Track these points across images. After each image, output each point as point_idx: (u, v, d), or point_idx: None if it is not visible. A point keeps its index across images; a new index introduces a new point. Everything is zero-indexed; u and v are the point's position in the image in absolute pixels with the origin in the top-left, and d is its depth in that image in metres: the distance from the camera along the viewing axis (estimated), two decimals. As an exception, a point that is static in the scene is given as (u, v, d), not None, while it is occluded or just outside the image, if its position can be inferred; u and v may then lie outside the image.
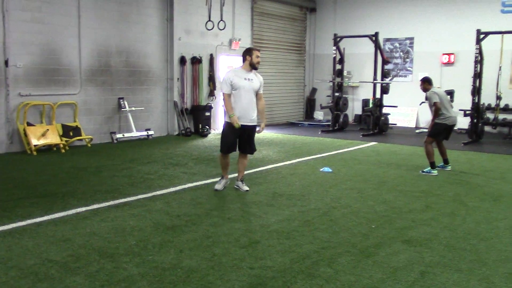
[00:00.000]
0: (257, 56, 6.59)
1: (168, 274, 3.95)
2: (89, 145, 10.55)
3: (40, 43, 9.93)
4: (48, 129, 9.83)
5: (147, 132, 11.96)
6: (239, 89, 6.50)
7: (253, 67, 6.61)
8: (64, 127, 10.26)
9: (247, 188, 6.84)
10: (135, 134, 11.65)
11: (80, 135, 10.45)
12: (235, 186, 6.93)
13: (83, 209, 5.75)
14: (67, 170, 8.07)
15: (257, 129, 6.81)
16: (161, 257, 4.30)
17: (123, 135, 11.42)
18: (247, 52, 6.63)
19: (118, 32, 11.42)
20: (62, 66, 10.37)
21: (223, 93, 6.64)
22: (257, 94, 6.67)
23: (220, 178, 6.99)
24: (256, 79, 6.63)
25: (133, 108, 11.65)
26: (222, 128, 6.91)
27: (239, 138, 6.69)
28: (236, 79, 6.51)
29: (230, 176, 7.07)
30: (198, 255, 4.37)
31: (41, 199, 6.18)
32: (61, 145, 9.83)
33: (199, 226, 5.19)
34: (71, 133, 10.29)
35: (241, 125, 6.51)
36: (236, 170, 7.19)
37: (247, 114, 6.58)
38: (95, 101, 11.07)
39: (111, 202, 6.08)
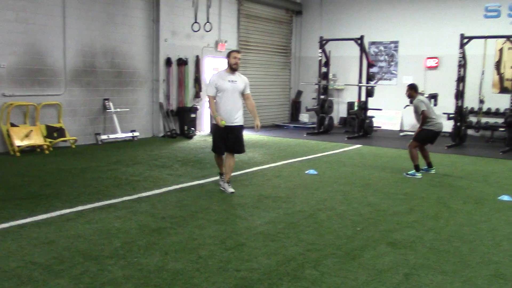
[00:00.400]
0: (234, 57, 6.73)
1: (154, 276, 3.93)
2: (73, 146, 10.46)
3: (24, 43, 9.83)
4: (31, 130, 9.73)
5: (132, 134, 11.90)
6: (223, 92, 6.66)
7: (230, 68, 6.75)
8: (48, 128, 10.16)
9: (232, 190, 6.86)
10: (120, 135, 11.58)
11: (64, 136, 10.35)
12: (221, 188, 6.96)
13: (67, 211, 5.70)
14: (51, 171, 7.99)
15: (255, 128, 6.99)
16: (146, 259, 4.28)
17: (108, 136, 11.34)
18: (227, 55, 6.84)
19: (104, 33, 11.35)
20: (47, 67, 10.27)
21: (208, 96, 6.79)
22: (244, 94, 6.83)
23: (220, 175, 7.12)
24: (240, 80, 6.77)
25: (118, 109, 11.58)
26: (210, 129, 6.99)
27: (227, 138, 6.77)
28: (220, 82, 6.67)
29: (214, 179, 7.06)
30: (184, 257, 4.35)
31: (24, 200, 6.11)
32: (45, 146, 9.74)
33: (184, 228, 5.17)
34: (55, 134, 10.19)
35: (226, 125, 6.64)
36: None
37: (231, 115, 6.71)
38: (79, 102, 10.99)
39: (96, 204, 6.04)
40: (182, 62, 13.20)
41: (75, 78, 10.84)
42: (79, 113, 10.97)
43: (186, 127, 12.96)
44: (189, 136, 12.75)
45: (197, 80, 13.76)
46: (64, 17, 10.44)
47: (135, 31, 12.11)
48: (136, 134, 11.97)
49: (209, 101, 6.80)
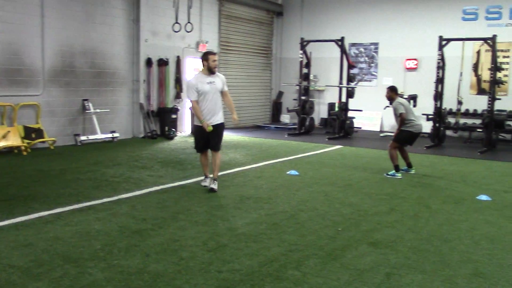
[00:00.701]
0: (214, 60, 6.83)
1: (134, 278, 3.89)
2: (52, 147, 10.31)
3: (2, 42, 9.66)
4: (9, 131, 9.56)
5: (112, 135, 11.78)
6: (204, 94, 6.78)
7: (210, 71, 6.84)
8: (26, 129, 10.00)
9: (214, 187, 6.93)
10: (100, 136, 11.45)
11: (43, 137, 10.20)
12: (204, 185, 7.14)
13: (46, 213, 5.61)
14: (29, 173, 7.87)
15: (232, 121, 7.26)
16: (127, 261, 4.24)
17: (87, 137, 11.21)
18: (204, 57, 6.88)
19: (83, 33, 11.22)
20: (25, 67, 10.11)
21: (191, 101, 6.89)
22: (222, 92, 6.97)
23: (204, 177, 7.26)
24: (218, 80, 6.90)
25: (98, 110, 11.46)
26: (192, 129, 7.05)
27: (208, 137, 6.92)
28: (200, 85, 6.76)
29: (195, 180, 7.04)
30: (165, 259, 4.32)
31: (2, 202, 6.00)
32: (23, 148, 9.58)
33: (165, 230, 5.14)
34: (33, 135, 10.04)
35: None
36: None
37: (214, 115, 6.87)
38: (58, 103, 10.83)
39: (75, 206, 5.96)
40: (162, 63, 13.12)
41: (54, 78, 10.69)
42: (57, 113, 10.83)
43: (167, 128, 12.89)
44: (170, 137, 12.67)
45: (178, 81, 13.69)
46: (43, 17, 10.29)
47: (115, 31, 12.00)
48: (116, 135, 11.85)
49: (192, 106, 6.93)
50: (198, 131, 7.06)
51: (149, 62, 12.75)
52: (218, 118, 6.93)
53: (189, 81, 6.95)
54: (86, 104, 11.24)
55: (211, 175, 7.10)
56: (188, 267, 4.14)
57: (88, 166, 8.55)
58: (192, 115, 13.78)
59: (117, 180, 7.47)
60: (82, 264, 4.14)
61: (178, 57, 13.66)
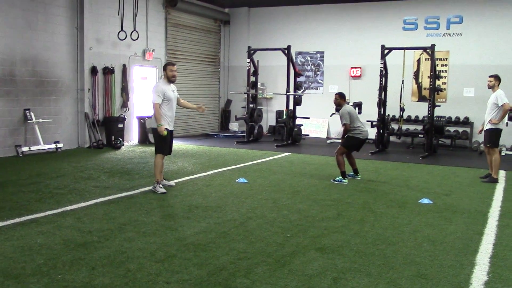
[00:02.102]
0: (171, 70, 7.41)
1: (80, 293, 3.79)
2: (-9, 159, 9.91)
3: None
4: None
5: (56, 145, 11.43)
6: (170, 100, 7.33)
7: (169, 81, 7.43)
8: (-37, 140, 9.57)
9: (164, 190, 7.41)
10: (42, 147, 11.10)
11: (-19, 149, 9.79)
12: (158, 191, 7.38)
13: (-15, 228, 5.38)
14: (-34, 186, 7.53)
15: (201, 109, 7.93)
16: (72, 275, 4.12)
17: (29, 148, 10.84)
18: (164, 68, 7.50)
19: (24, 40, 10.86)
20: (-39, 75, 9.68)
21: (154, 103, 7.24)
22: (178, 99, 7.64)
23: (156, 183, 7.43)
24: (175, 89, 7.54)
25: (41, 120, 11.10)
26: (154, 135, 7.50)
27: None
28: (168, 92, 7.31)
29: (142, 190, 6.95)
30: (112, 271, 4.23)
31: None
32: (-41, 160, 9.16)
33: (112, 242, 5.03)
34: (-30, 147, 9.62)
35: (171, 130, 7.43)
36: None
37: (173, 121, 7.52)
38: (-2, 113, 10.44)
39: (17, 220, 5.74)
40: (108, 71, 12.89)
41: (-7, 87, 10.29)
42: (-3, 124, 10.42)
43: (113, 138, 12.64)
44: (117, 147, 12.43)
45: (124, 89, 13.47)
46: (-20, 23, 9.92)
47: (58, 38, 11.69)
48: (60, 145, 11.52)
49: (155, 109, 7.23)
50: (162, 134, 7.32)
51: (94, 70, 12.49)
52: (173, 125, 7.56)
53: (157, 85, 7.35)
54: (28, 113, 10.87)
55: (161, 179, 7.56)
56: (135, 279, 4.07)
57: (30, 178, 8.26)
58: (141, 124, 13.60)
59: (61, 192, 7.26)
60: (24, 280, 3.99)
61: (124, 65, 13.44)
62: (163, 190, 7.37)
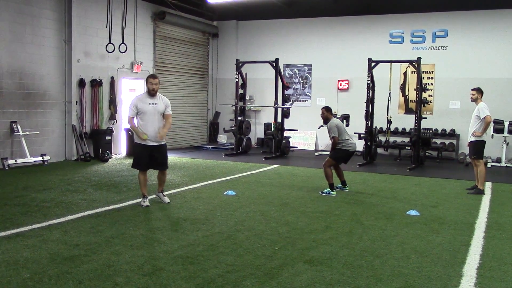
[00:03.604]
0: (151, 83, 7.19)
1: (66, 307, 3.75)
2: (-24, 172, 9.81)
3: None
4: None
5: (43, 158, 11.34)
6: (144, 114, 7.11)
7: (149, 93, 7.22)
8: None
9: (168, 200, 7.52)
10: (29, 159, 11.01)
11: (-33, 162, 9.69)
12: (155, 196, 7.56)
13: (-30, 242, 5.31)
14: (-49, 200, 7.43)
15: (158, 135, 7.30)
16: (59, 289, 4.08)
17: (15, 161, 10.74)
18: (146, 80, 7.32)
19: (10, 52, 10.82)
20: None
21: (128, 117, 7.27)
22: (164, 114, 7.28)
23: (143, 198, 7.39)
24: (160, 102, 7.24)
25: (27, 133, 11.02)
26: (133, 149, 7.59)
27: (152, 158, 7.28)
28: (141, 104, 7.11)
29: (130, 203, 6.92)
30: (99, 285, 4.19)
31: None
32: None
33: (99, 255, 4.99)
34: (-45, 160, 9.51)
35: (150, 145, 7.18)
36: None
37: (154, 135, 7.18)
38: (-16, 125, 10.35)
39: (2, 233, 5.67)
40: (96, 83, 12.86)
41: (-21, 99, 10.21)
42: (-17, 136, 10.32)
43: (101, 150, 12.58)
44: (104, 159, 12.37)
45: (112, 102, 13.44)
46: (-33, 36, 9.86)
47: (45, 51, 11.65)
48: (47, 158, 11.43)
49: (128, 122, 7.28)
50: (139, 148, 7.27)
51: (81, 82, 12.45)
52: (160, 140, 7.27)
53: (133, 99, 7.24)
54: (15, 126, 10.79)
55: (153, 195, 7.54)
56: (123, 293, 4.04)
57: (16, 191, 8.18)
58: (129, 137, 13.56)
59: (48, 205, 7.19)
60: (10, 295, 3.94)
61: (112, 77, 13.43)
62: (146, 204, 7.27)
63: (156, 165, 7.42)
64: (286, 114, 14.48)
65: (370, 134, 13.03)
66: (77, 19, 12.25)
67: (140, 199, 7.49)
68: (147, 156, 7.23)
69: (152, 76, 7.31)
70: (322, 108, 9.00)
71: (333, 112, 9.23)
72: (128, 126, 13.66)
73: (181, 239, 5.65)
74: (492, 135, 12.73)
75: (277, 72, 14.39)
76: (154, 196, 7.73)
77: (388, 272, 4.73)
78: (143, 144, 7.20)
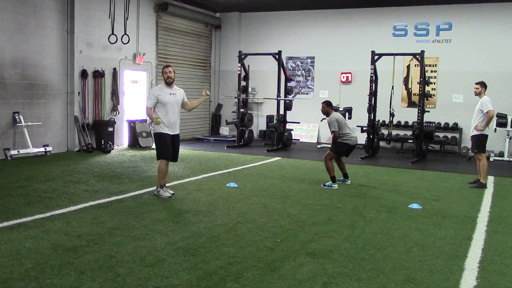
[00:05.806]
0: (165, 72, 7.33)
1: (69, 297, 3.76)
2: (-21, 162, 9.82)
3: None
4: None
5: (45, 148, 11.35)
6: (166, 104, 7.21)
7: (165, 82, 7.33)
8: (-50, 143, 9.48)
9: (172, 192, 7.44)
10: (31, 150, 11.01)
11: (-31, 152, 9.70)
12: (163, 196, 7.33)
13: (-28, 232, 5.33)
14: (-47, 190, 7.45)
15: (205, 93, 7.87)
16: (61, 280, 4.09)
17: (18, 151, 10.75)
18: (162, 70, 7.42)
19: (13, 43, 10.79)
20: (-51, 78, 9.59)
21: (146, 107, 7.29)
22: (184, 103, 7.56)
23: (159, 187, 7.40)
24: (178, 93, 7.48)
25: (30, 123, 11.02)
26: (155, 140, 7.50)
27: (173, 146, 7.36)
28: (162, 95, 7.22)
29: (132, 194, 6.92)
30: (101, 276, 4.20)
31: None
32: None
33: (101, 246, 5.00)
34: (-42, 150, 9.53)
35: (171, 134, 7.26)
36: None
37: (175, 125, 7.34)
38: (-14, 116, 10.35)
39: (5, 224, 5.69)
40: (98, 75, 12.83)
41: (-19, 90, 10.20)
42: (-15, 127, 10.33)
43: (103, 141, 12.58)
44: (107, 151, 12.37)
45: (115, 93, 13.42)
46: (-31, 26, 9.84)
47: (48, 41, 11.63)
48: (49, 148, 11.44)
49: (147, 112, 7.29)
50: (163, 138, 7.26)
51: (84, 73, 12.43)
52: (178, 130, 7.44)
53: (151, 90, 7.34)
54: (17, 117, 10.79)
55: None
56: (124, 284, 4.05)
57: (19, 182, 8.20)
58: (131, 128, 13.55)
59: (50, 196, 7.20)
60: (12, 285, 3.95)
61: (114, 69, 13.39)
62: (168, 194, 7.33)
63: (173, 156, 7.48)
64: (288, 106, 14.45)
65: (372, 127, 13.00)
66: (80, 10, 12.22)
67: (140, 191, 7.51)
68: (171, 145, 7.31)
69: (166, 66, 7.42)
70: (322, 103, 8.99)
71: (335, 105, 9.21)
72: (131, 118, 13.79)
73: (183, 231, 5.65)
74: (495, 129, 12.69)
75: (280, 64, 14.35)
76: (154, 188, 7.72)
77: (390, 265, 4.73)
78: (167, 134, 7.23)
